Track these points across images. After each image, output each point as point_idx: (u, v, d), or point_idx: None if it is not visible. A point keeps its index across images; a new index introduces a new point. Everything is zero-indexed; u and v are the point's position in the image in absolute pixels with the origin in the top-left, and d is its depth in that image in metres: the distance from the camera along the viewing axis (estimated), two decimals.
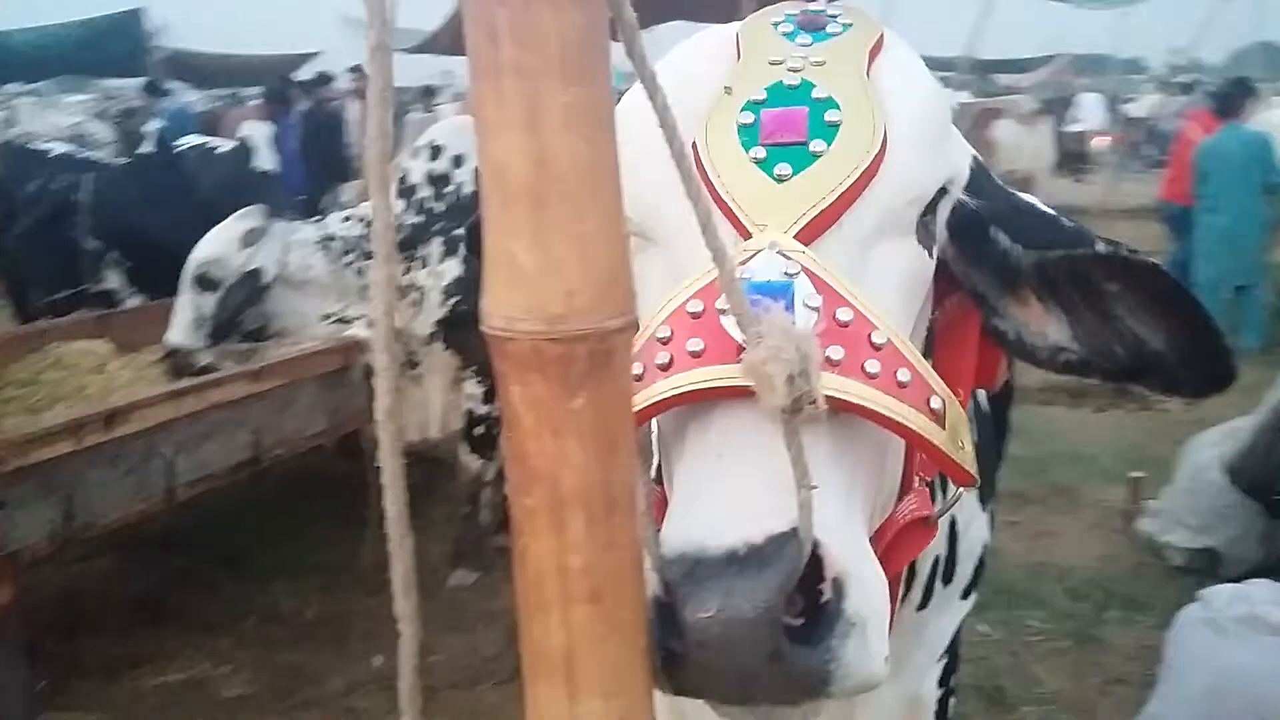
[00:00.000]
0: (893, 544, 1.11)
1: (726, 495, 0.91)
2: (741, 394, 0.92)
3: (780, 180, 1.04)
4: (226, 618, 4.30)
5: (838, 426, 0.97)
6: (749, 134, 1.07)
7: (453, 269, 4.58)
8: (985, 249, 1.22)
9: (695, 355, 0.97)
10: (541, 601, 0.83)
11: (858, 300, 1.00)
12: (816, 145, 1.05)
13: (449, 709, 3.75)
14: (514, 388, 0.80)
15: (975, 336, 1.25)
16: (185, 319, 4.40)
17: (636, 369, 0.99)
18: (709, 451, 0.94)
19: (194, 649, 4.08)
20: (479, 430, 4.71)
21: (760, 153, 1.06)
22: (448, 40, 15.28)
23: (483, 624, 4.33)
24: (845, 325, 0.98)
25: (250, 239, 4.42)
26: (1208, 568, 4.30)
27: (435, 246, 4.62)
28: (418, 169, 4.71)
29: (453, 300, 4.57)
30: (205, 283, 4.39)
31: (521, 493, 0.82)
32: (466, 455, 4.76)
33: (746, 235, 1.03)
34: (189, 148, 7.36)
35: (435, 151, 4.71)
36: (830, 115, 1.07)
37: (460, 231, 4.59)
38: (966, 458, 1.07)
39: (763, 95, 1.09)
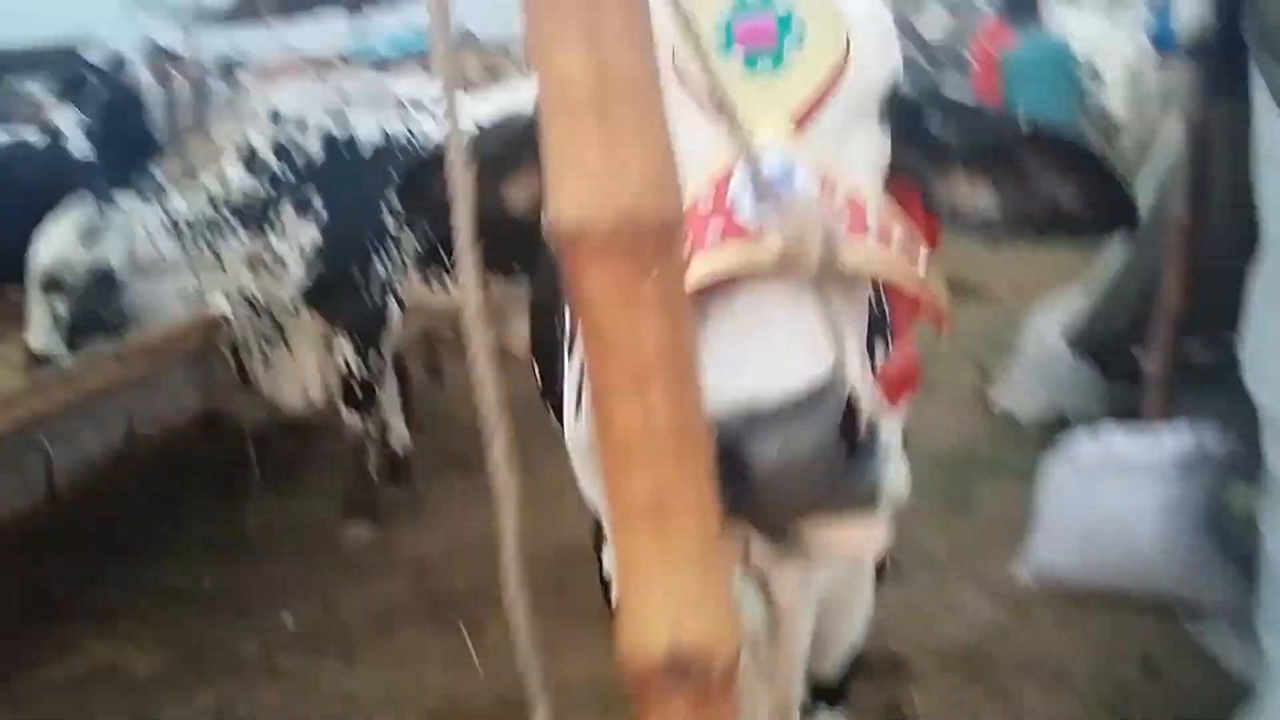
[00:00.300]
0: (889, 388, 1.27)
1: (766, 355, 1.04)
2: (761, 271, 1.06)
3: (763, 82, 1.17)
4: (120, 602, 4.23)
5: (839, 290, 1.11)
6: (724, 44, 1.19)
7: (309, 234, 4.54)
8: (921, 133, 1.37)
9: (713, 243, 1.09)
10: (629, 462, 0.94)
11: (848, 179, 1.14)
12: (789, 49, 1.18)
13: (369, 655, 3.83)
14: (590, 277, 0.90)
15: (918, 210, 1.42)
16: (43, 325, 4.22)
17: None
18: (738, 323, 1.07)
19: (94, 637, 4.00)
20: (356, 389, 4.72)
21: (739, 58, 1.18)
22: (245, 12, 14.77)
23: (387, 574, 4.39)
24: (843, 202, 1.12)
25: (90, 235, 4.28)
26: (1059, 430, 4.67)
27: (288, 214, 4.56)
28: (260, 136, 4.63)
29: (314, 266, 4.54)
30: (53, 286, 4.23)
31: (602, 369, 0.92)
32: (348, 415, 4.77)
33: (741, 132, 1.15)
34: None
35: (278, 118, 4.64)
36: (795, 22, 1.20)
37: (314, 196, 4.56)
38: (945, 306, 1.24)
39: (728, 9, 1.21)
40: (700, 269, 1.09)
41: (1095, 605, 3.69)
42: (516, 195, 1.53)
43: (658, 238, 0.89)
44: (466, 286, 0.94)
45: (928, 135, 1.39)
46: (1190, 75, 3.92)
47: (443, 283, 4.82)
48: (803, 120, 1.18)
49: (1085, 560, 3.76)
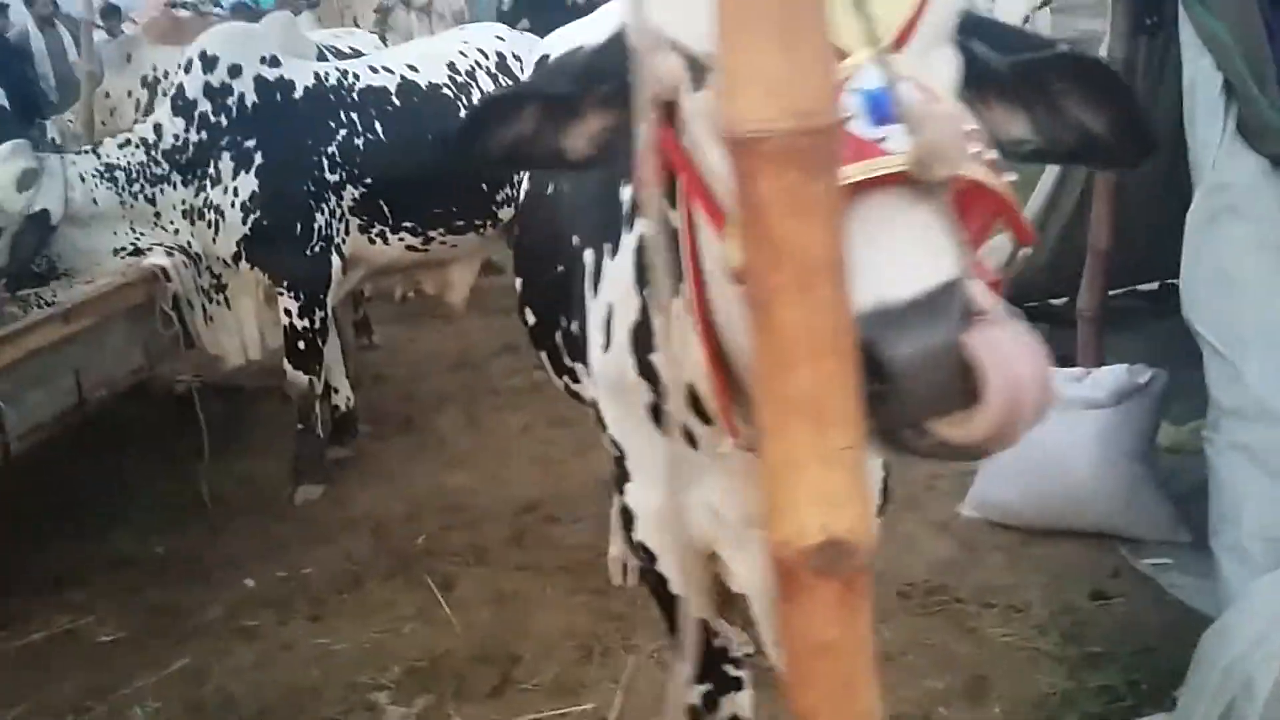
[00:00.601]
0: None
1: (896, 259, 1.08)
2: (884, 181, 1.10)
3: (860, 6, 1.21)
4: (74, 570, 4.12)
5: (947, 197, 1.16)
6: None
7: (248, 184, 4.45)
8: (966, 56, 1.43)
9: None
10: (792, 360, 0.97)
11: (949, 97, 1.19)
12: None
13: (340, 614, 3.81)
14: (765, 181, 0.93)
15: None
16: None
17: None
18: (867, 229, 1.11)
19: (49, 606, 3.90)
20: (300, 345, 4.64)
21: None
22: None
23: (344, 532, 4.36)
24: None
25: (27, 180, 4.16)
26: None
27: (225, 162, 4.46)
28: (193, 82, 4.50)
29: (253, 217, 4.45)
30: None
31: (772, 271, 0.95)
32: (292, 372, 4.69)
33: (843, 55, 1.20)
34: None
35: (210, 62, 4.50)
36: None
37: (250, 144, 4.46)
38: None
39: None
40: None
41: (1041, 540, 3.85)
42: (575, 141, 1.52)
43: (829, 142, 0.93)
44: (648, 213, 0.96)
45: (971, 58, 1.44)
46: (1117, 12, 4.08)
47: (384, 236, 4.78)
48: (899, 42, 1.22)
49: (1028, 496, 3.92)
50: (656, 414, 1.93)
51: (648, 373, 1.89)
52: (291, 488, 4.67)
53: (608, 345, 1.96)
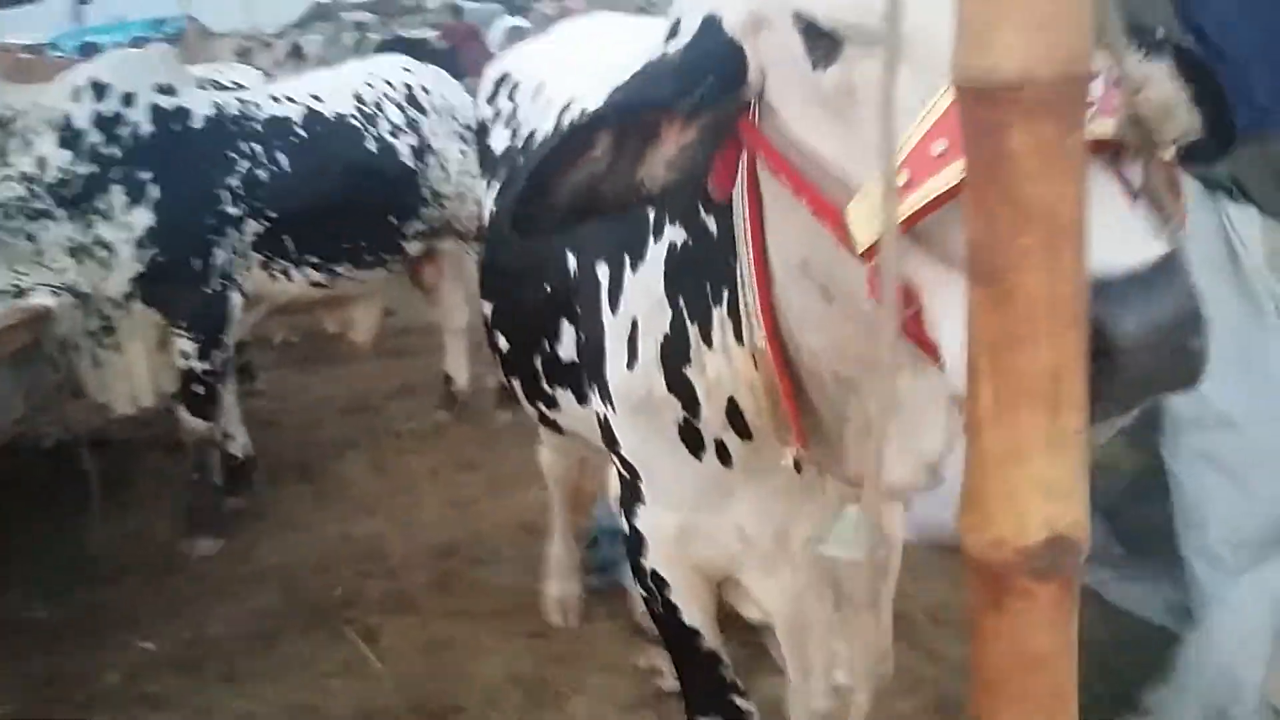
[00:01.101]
0: None
1: (1111, 229, 1.00)
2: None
3: None
4: None
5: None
6: None
7: (143, 218, 4.15)
8: None
9: None
10: (1033, 331, 0.88)
11: None
12: None
13: (254, 673, 3.52)
14: (1018, 134, 0.84)
15: None
16: None
17: None
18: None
19: None
20: (198, 389, 4.35)
21: None
22: None
23: (250, 587, 4.06)
24: None
25: None
26: None
27: (117, 196, 4.15)
28: (82, 112, 4.19)
29: (149, 253, 4.16)
30: None
31: (1018, 233, 0.86)
32: (189, 418, 4.37)
33: None
34: None
35: (100, 90, 4.21)
36: None
37: (145, 176, 4.18)
38: None
39: None
40: None
41: None
42: (654, 169, 1.37)
43: (1084, 91, 0.85)
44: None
45: None
46: None
47: (287, 272, 4.55)
48: None
49: None
50: (685, 431, 1.82)
51: (678, 388, 1.78)
52: (186, 542, 4.35)
53: (631, 362, 1.85)
